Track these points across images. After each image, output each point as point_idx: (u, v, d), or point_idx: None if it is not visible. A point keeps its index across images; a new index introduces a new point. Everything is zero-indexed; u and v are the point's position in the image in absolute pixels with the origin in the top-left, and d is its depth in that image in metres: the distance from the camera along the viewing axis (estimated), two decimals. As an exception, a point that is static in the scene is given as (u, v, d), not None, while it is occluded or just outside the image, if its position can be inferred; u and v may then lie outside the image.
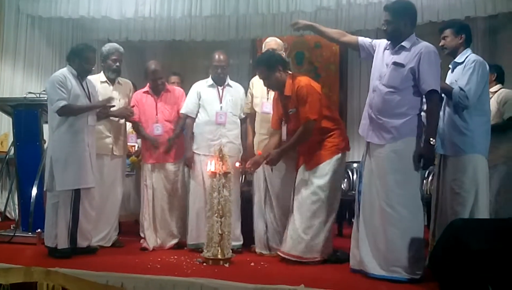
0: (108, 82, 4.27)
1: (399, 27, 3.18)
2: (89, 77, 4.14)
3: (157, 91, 4.29)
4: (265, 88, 4.09)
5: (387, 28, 3.24)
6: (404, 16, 3.19)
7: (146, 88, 4.34)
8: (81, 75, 3.86)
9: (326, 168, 3.62)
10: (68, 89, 3.73)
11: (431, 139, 3.04)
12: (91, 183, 3.81)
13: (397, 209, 3.07)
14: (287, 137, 3.80)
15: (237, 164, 3.88)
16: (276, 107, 3.87)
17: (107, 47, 4.31)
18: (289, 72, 3.82)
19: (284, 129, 3.84)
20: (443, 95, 3.41)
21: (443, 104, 3.46)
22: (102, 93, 4.15)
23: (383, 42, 3.34)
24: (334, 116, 3.80)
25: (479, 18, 5.67)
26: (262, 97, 4.13)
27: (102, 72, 4.32)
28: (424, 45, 3.15)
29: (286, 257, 3.62)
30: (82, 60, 3.82)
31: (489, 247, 2.68)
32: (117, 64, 4.26)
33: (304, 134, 3.62)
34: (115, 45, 4.34)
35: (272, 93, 4.04)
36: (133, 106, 4.25)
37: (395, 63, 3.16)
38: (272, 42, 4.25)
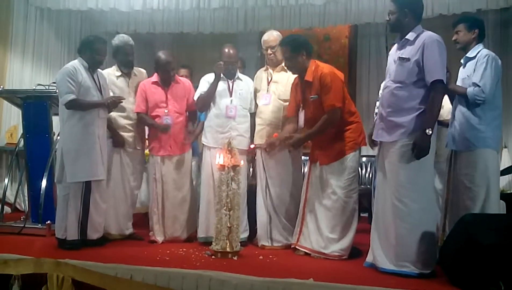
0: (124, 76, 4.21)
1: (401, 18, 3.15)
2: (102, 71, 4.13)
3: (167, 82, 4.22)
4: (266, 81, 4.08)
5: (390, 19, 3.22)
6: (407, 7, 3.14)
7: (155, 78, 4.23)
8: (92, 67, 3.86)
9: (343, 165, 3.57)
10: (78, 81, 3.73)
11: (427, 129, 2.96)
12: (101, 175, 3.82)
13: (407, 203, 3.05)
14: (304, 123, 3.75)
15: (252, 146, 3.91)
16: (295, 93, 3.81)
17: (116, 41, 4.20)
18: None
19: (301, 115, 3.77)
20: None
21: (454, 101, 3.43)
22: (120, 87, 4.15)
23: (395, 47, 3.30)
24: (352, 109, 3.73)
25: (491, 11, 5.61)
26: (262, 89, 4.11)
27: (115, 66, 4.24)
28: (427, 35, 3.09)
29: (312, 253, 3.60)
30: (93, 51, 3.81)
31: (500, 242, 2.67)
32: (129, 58, 4.19)
33: (329, 122, 3.55)
34: (124, 38, 4.22)
35: (272, 86, 4.03)
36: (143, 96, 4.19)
37: (400, 58, 3.13)
38: (270, 39, 4.08)
